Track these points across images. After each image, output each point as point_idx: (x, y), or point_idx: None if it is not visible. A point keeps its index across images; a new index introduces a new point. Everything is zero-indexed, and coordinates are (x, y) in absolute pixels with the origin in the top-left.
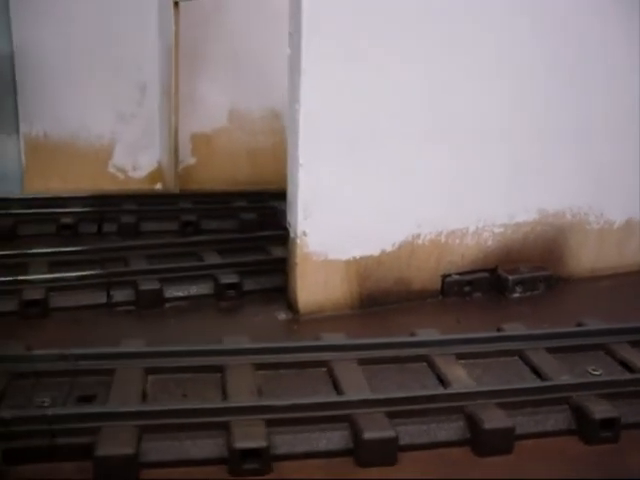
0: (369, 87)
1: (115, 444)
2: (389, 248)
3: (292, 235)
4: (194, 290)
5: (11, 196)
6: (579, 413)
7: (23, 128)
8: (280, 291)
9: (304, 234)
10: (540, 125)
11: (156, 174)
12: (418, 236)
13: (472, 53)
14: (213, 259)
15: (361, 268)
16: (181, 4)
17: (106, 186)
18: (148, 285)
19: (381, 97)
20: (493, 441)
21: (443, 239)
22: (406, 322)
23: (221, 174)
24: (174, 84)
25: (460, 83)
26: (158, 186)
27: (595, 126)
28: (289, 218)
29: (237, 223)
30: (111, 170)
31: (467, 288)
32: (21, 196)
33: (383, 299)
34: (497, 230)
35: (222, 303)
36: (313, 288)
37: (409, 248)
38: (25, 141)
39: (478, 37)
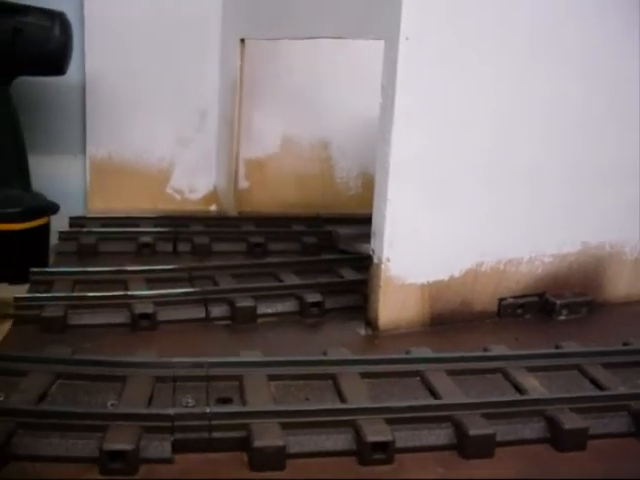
0: (448, 139)
1: (267, 437)
2: (457, 274)
3: (376, 261)
4: (281, 307)
5: (88, 215)
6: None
7: (90, 150)
8: (357, 310)
9: (388, 260)
10: (587, 168)
11: (211, 196)
12: (481, 264)
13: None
14: (292, 279)
15: (433, 291)
16: (246, 41)
17: (164, 206)
18: (243, 302)
19: (457, 147)
20: (570, 439)
21: (502, 267)
22: (472, 339)
23: (272, 198)
24: (237, 113)
25: (520, 122)
26: (212, 208)
27: (627, 166)
28: (373, 246)
29: (299, 246)
30: (169, 191)
31: (519, 310)
32: (98, 215)
33: (449, 318)
34: (547, 260)
35: (307, 320)
36: (392, 308)
37: (473, 274)
38: (90, 162)
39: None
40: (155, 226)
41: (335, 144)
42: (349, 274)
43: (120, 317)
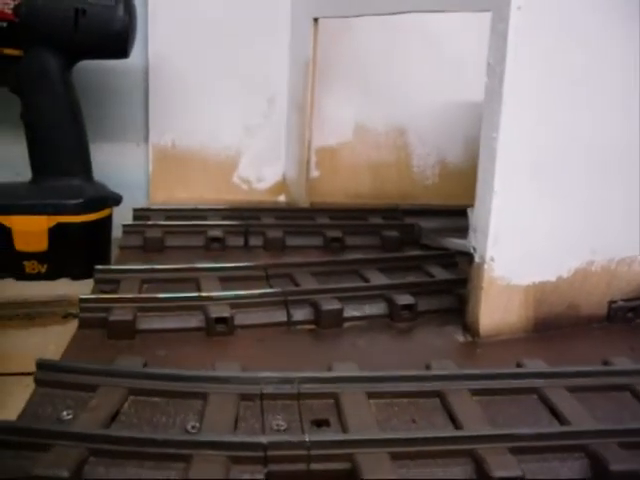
0: (563, 123)
1: (377, 471)
2: (565, 274)
3: (478, 260)
4: (368, 310)
5: (153, 207)
6: None
7: (152, 138)
8: (451, 313)
9: (492, 259)
10: None
11: (279, 186)
12: (592, 263)
13: None
14: (379, 278)
15: (538, 293)
16: (319, 20)
17: (230, 197)
18: (328, 305)
19: (573, 129)
20: None
21: (613, 266)
22: (583, 348)
23: (343, 187)
24: (310, 99)
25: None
26: (281, 198)
27: None
28: (474, 243)
29: (379, 240)
30: (236, 181)
31: (630, 314)
32: (163, 206)
33: (554, 323)
34: None
35: (398, 324)
36: (494, 312)
37: (582, 274)
38: (153, 151)
39: None
40: (224, 218)
41: (412, 131)
42: (439, 273)
43: (194, 321)
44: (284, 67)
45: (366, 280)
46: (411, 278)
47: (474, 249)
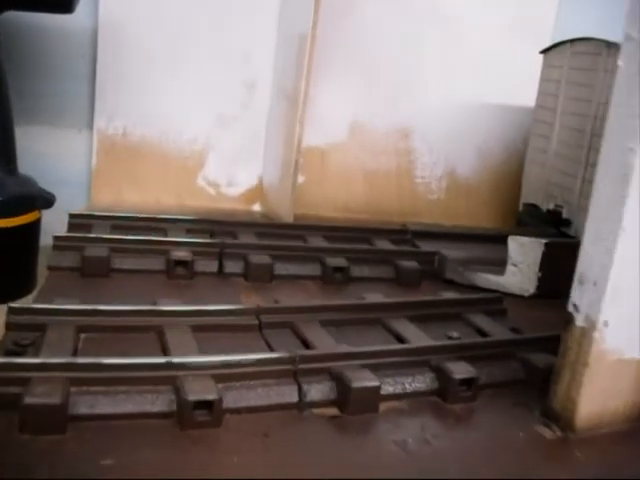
0: None
1: None
2: None
3: (582, 323)
4: (411, 385)
5: (96, 212)
6: None
7: (98, 123)
8: (515, 386)
9: (605, 325)
10: None
11: (255, 193)
12: None
13: None
14: (417, 336)
15: None
16: None
17: (192, 202)
18: (360, 380)
19: None
20: None
21: None
22: None
23: (332, 198)
24: (304, 86)
25: None
26: (256, 207)
27: None
28: (576, 298)
29: (393, 271)
30: (201, 183)
31: None
32: (108, 212)
33: None
34: None
35: (452, 404)
36: (597, 396)
37: None
38: (99, 140)
39: None
40: (189, 233)
41: (417, 134)
42: (488, 325)
43: (160, 405)
44: (270, 44)
45: (400, 338)
46: (454, 332)
47: (576, 307)
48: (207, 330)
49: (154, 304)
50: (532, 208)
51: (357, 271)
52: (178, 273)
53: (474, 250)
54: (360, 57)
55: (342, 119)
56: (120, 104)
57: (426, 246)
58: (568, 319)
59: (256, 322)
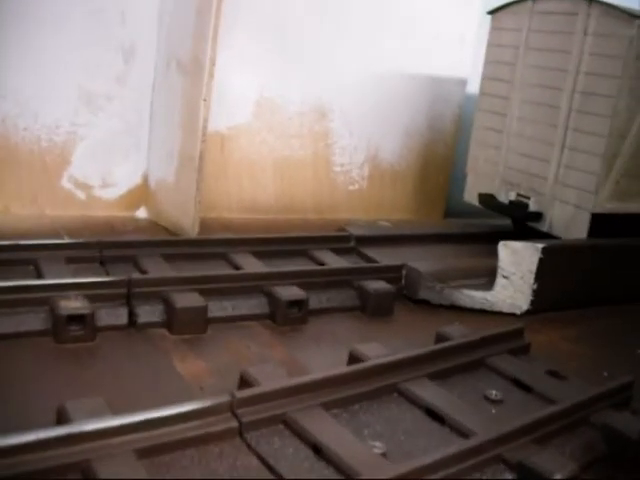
0: None
1: None
2: None
3: None
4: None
5: None
6: None
7: None
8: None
9: None
10: None
11: (138, 194)
12: None
13: None
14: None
15: None
16: None
17: (55, 210)
18: None
19: None
20: None
21: None
22: None
23: (237, 195)
24: (210, 54)
25: None
26: (140, 213)
27: None
28: None
29: (356, 296)
30: (66, 185)
31: None
32: None
33: None
34: None
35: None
36: None
37: None
38: None
39: None
40: (71, 263)
41: (337, 113)
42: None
43: None
44: None
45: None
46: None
47: None
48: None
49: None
50: (488, 198)
51: (315, 301)
52: (71, 333)
53: (441, 256)
54: (270, 19)
55: (246, 95)
56: None
57: (377, 254)
58: None
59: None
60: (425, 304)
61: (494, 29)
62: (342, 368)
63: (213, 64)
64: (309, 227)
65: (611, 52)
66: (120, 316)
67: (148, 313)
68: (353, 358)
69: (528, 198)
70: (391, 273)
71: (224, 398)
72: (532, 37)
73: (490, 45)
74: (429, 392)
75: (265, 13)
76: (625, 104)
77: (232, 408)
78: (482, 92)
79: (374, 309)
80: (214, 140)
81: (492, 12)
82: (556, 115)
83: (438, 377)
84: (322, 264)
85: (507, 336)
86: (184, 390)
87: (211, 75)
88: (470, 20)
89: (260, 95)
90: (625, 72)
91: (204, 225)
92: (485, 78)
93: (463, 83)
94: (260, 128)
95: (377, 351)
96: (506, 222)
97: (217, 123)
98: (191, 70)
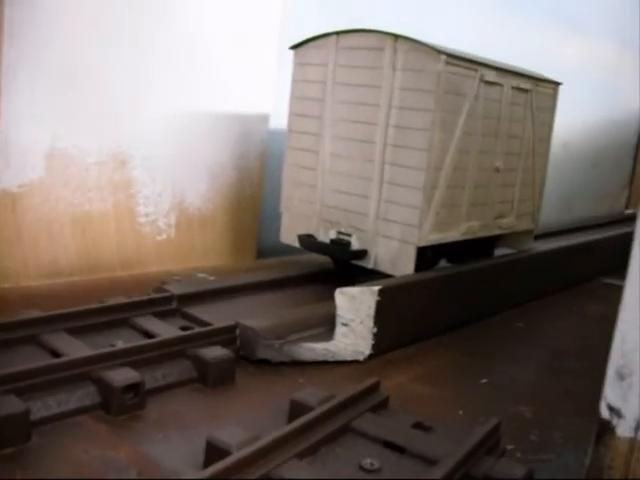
0: None
1: None
2: None
3: (628, 433)
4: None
5: None
6: None
7: None
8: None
9: None
10: None
11: None
12: None
13: None
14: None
15: None
16: None
17: None
18: None
19: None
20: None
21: None
22: None
23: (32, 259)
24: None
25: None
26: None
27: None
28: (614, 398)
29: (194, 370)
30: None
31: None
32: None
33: None
34: None
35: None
36: None
37: None
38: None
39: None
40: None
41: (138, 160)
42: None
43: None
44: None
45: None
46: None
47: (614, 411)
48: None
49: None
50: (308, 239)
51: (151, 382)
52: None
53: (272, 307)
54: (60, 67)
55: (36, 148)
56: None
57: (202, 312)
58: (603, 429)
59: None
60: (265, 363)
61: (298, 64)
62: (204, 472)
63: None
64: (120, 287)
65: (422, 87)
66: None
67: None
68: (212, 449)
69: (349, 235)
70: (224, 335)
71: None
72: (339, 72)
73: (295, 81)
74: (304, 474)
75: (54, 59)
76: (439, 137)
77: None
78: (290, 129)
79: (215, 379)
80: (4, 201)
81: (295, 47)
82: (371, 150)
83: (307, 454)
84: (147, 333)
85: (365, 393)
86: None
87: None
88: (268, 55)
89: (52, 147)
90: (437, 106)
91: (0, 299)
92: (293, 114)
93: (266, 119)
94: (54, 183)
95: (237, 437)
96: (324, 258)
97: (6, 182)
98: None
